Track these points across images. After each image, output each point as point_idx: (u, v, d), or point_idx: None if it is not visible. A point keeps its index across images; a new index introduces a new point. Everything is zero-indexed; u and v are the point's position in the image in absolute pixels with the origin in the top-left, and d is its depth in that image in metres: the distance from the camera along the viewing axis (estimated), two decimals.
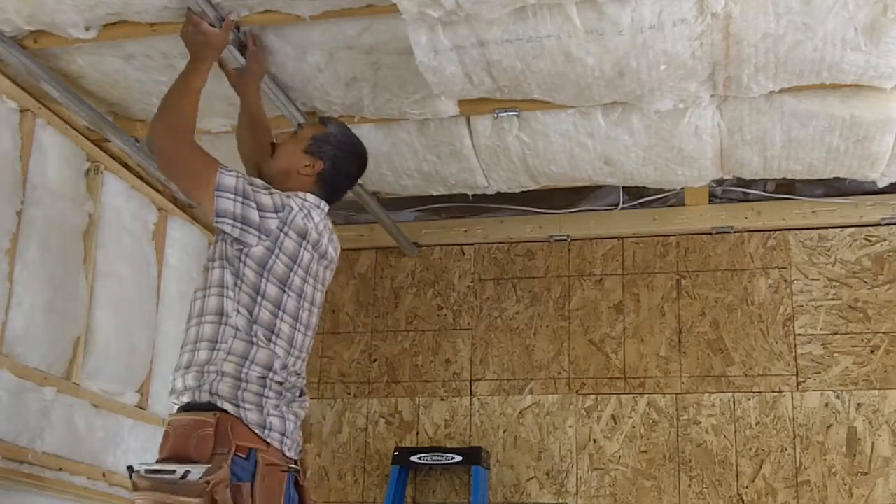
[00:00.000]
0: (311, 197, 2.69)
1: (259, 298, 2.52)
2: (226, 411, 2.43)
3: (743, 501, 3.98)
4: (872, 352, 4.03)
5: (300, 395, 2.64)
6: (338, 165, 2.77)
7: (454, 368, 4.41)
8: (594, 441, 4.18)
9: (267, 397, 2.50)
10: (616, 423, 4.18)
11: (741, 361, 4.14)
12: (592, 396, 4.24)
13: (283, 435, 2.51)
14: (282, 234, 2.55)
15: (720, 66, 2.92)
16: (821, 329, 4.10)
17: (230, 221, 2.50)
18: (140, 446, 3.57)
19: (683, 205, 4.33)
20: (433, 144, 3.58)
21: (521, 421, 4.28)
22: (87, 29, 2.91)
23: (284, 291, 2.56)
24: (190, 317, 2.59)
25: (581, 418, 4.22)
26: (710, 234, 4.30)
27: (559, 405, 4.26)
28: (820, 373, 4.05)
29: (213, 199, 2.48)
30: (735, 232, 4.28)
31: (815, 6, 2.69)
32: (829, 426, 3.99)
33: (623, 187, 4.26)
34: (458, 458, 4.15)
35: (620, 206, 4.36)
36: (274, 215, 2.54)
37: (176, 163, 2.55)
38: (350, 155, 2.82)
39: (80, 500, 3.30)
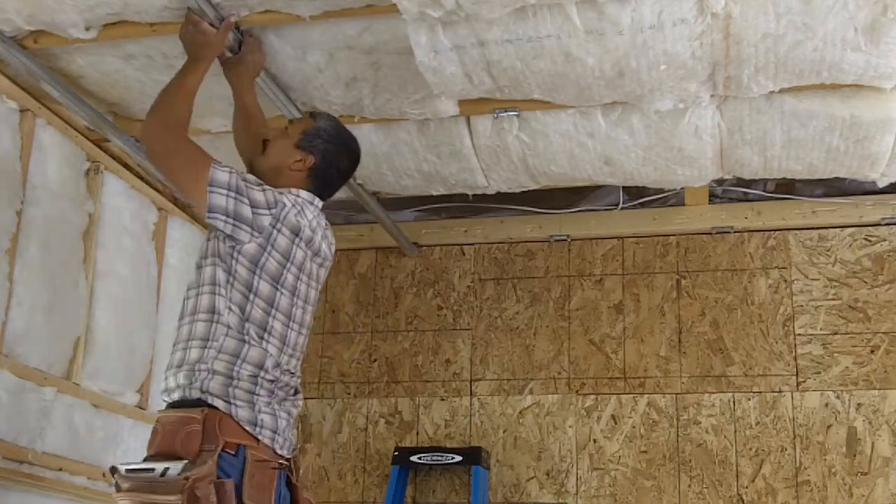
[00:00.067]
0: (304, 193, 2.68)
1: (251, 296, 2.51)
2: (215, 408, 2.42)
3: (743, 501, 3.98)
4: (872, 352, 4.03)
5: (294, 394, 2.63)
6: (328, 160, 2.75)
7: (454, 368, 4.41)
8: (594, 441, 4.18)
9: (258, 395, 2.48)
10: (616, 423, 4.18)
11: (741, 361, 4.14)
12: (592, 396, 4.24)
13: (275, 432, 2.49)
14: (274, 231, 2.54)
15: (720, 66, 2.92)
16: (821, 329, 4.10)
17: (222, 217, 2.48)
18: (140, 446, 3.53)
19: (683, 205, 4.33)
20: (433, 144, 3.58)
21: (521, 421, 4.28)
22: (87, 29, 2.91)
23: (277, 289, 2.55)
24: (182, 315, 2.58)
25: (581, 418, 4.22)
26: (710, 234, 4.31)
27: (559, 405, 4.26)
28: (820, 373, 4.05)
29: (205, 195, 2.46)
30: (735, 232, 4.28)
31: (815, 6, 2.69)
32: (829, 426, 3.99)
33: (623, 187, 4.26)
34: (458, 458, 4.15)
35: (620, 206, 4.36)
36: (267, 212, 2.53)
37: (169, 159, 2.54)
38: (341, 149, 2.80)
39: (80, 500, 3.30)
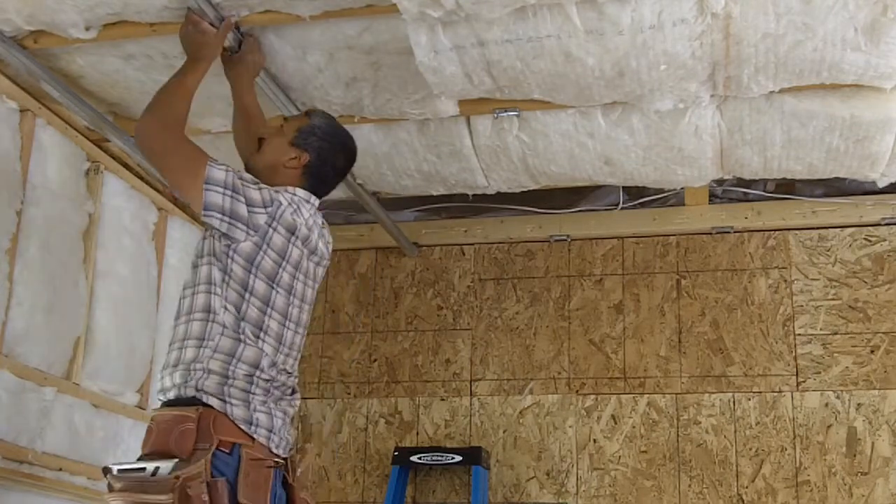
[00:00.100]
0: (300, 192, 2.67)
1: (247, 295, 2.50)
2: (210, 406, 2.41)
3: (743, 501, 3.98)
4: (872, 352, 4.03)
5: (291, 394, 2.62)
6: (323, 157, 2.74)
7: (454, 368, 4.41)
8: (594, 441, 4.18)
9: (254, 394, 2.47)
10: (616, 423, 4.18)
11: (741, 361, 4.14)
12: (592, 396, 4.24)
13: (271, 431, 2.48)
14: (270, 230, 2.53)
15: (720, 66, 2.92)
16: (821, 329, 4.10)
17: (218, 216, 2.47)
18: (140, 446, 3.57)
19: (683, 205, 4.33)
20: (433, 144, 3.58)
21: (521, 421, 4.28)
22: (87, 29, 2.91)
23: (273, 288, 2.54)
24: (178, 314, 2.58)
25: (581, 418, 4.22)
26: (710, 234, 4.31)
27: (559, 405, 4.26)
28: (820, 373, 4.05)
29: (201, 193, 2.45)
30: (735, 232, 4.28)
31: (815, 6, 2.69)
32: (829, 426, 3.99)
33: (623, 187, 4.26)
34: (458, 458, 4.15)
35: (620, 206, 4.36)
36: (262, 210, 2.52)
37: (165, 156, 2.53)
38: (336, 146, 2.79)
39: (80, 500, 3.30)
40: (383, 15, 2.83)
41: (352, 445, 4.42)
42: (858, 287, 4.11)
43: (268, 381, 2.51)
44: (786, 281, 4.18)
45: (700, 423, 4.10)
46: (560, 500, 4.14)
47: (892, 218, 4.12)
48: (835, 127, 3.25)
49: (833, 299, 4.12)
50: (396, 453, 4.20)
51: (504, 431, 4.28)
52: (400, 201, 4.41)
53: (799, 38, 2.79)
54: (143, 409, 3.66)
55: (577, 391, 4.26)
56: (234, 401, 2.44)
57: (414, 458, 4.17)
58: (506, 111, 3.29)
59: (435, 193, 3.96)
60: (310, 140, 2.74)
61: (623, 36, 2.78)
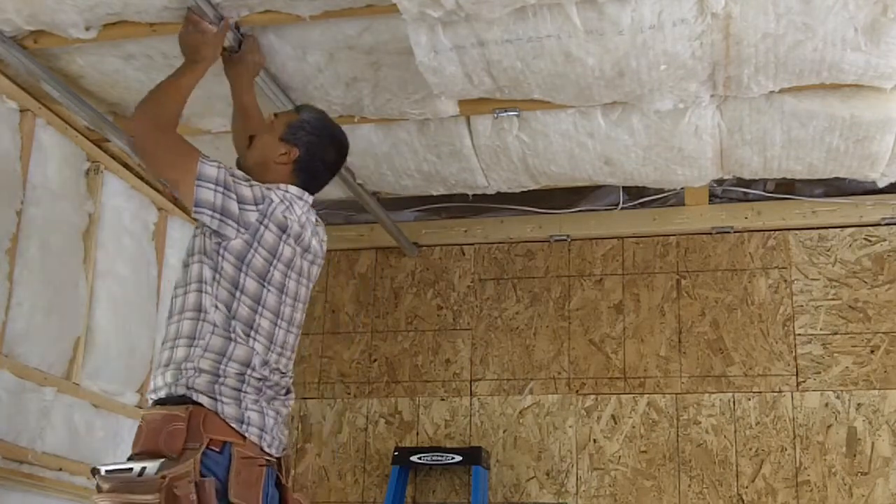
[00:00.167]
0: (292, 188, 2.66)
1: (237, 293, 2.49)
2: (200, 405, 2.40)
3: (743, 501, 3.98)
4: (872, 352, 4.03)
5: (285, 394, 2.61)
6: (313, 152, 2.72)
7: (454, 368, 4.41)
8: (594, 441, 4.18)
9: (245, 392, 2.46)
10: (616, 423, 4.18)
11: (741, 361, 4.14)
12: (592, 396, 4.23)
13: (262, 430, 2.47)
14: (261, 227, 2.52)
15: (720, 66, 2.92)
16: (821, 329, 4.10)
17: (209, 212, 2.46)
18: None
19: (683, 205, 4.33)
20: (433, 144, 3.58)
21: (521, 421, 4.28)
22: (87, 29, 2.91)
23: (264, 286, 2.53)
24: (171, 314, 2.57)
25: (581, 418, 4.22)
26: (710, 234, 4.30)
27: (559, 405, 4.26)
28: (820, 373, 4.05)
29: (192, 189, 2.45)
30: (735, 232, 4.28)
31: (815, 6, 2.69)
32: (829, 426, 3.99)
33: (623, 187, 4.26)
34: (458, 458, 4.14)
35: (620, 206, 4.36)
36: (254, 208, 2.51)
37: (157, 153, 2.52)
38: (325, 140, 2.77)
39: (80, 500, 3.30)
40: (383, 15, 2.83)
41: (352, 445, 4.42)
42: (858, 287, 4.11)
43: (260, 379, 2.50)
44: (786, 281, 4.18)
45: (700, 423, 4.10)
46: (560, 500, 4.14)
47: (892, 218, 4.12)
48: (835, 127, 3.25)
49: (833, 299, 4.12)
50: (396, 453, 4.20)
51: (504, 431, 4.28)
52: (400, 201, 4.41)
53: (799, 38, 2.79)
54: (143, 409, 3.66)
55: (577, 391, 4.26)
56: (225, 399, 2.42)
57: (414, 458, 4.17)
58: (506, 111, 3.29)
59: (435, 193, 3.96)
60: (299, 135, 2.73)
61: (623, 36, 2.78)
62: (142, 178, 3.78)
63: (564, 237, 4.44)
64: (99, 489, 2.36)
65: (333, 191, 3.96)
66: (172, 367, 2.47)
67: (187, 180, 2.46)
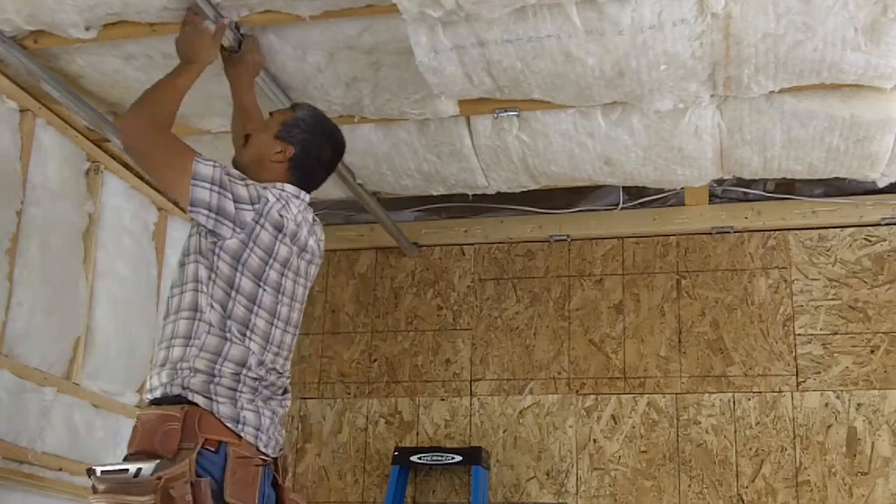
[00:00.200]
0: (289, 187, 2.65)
1: (233, 293, 2.48)
2: (196, 404, 2.39)
3: (743, 501, 3.98)
4: (872, 352, 4.03)
5: (282, 394, 2.60)
6: (308, 149, 2.72)
7: (454, 368, 4.41)
8: (594, 441, 4.18)
9: (241, 392, 2.45)
10: (616, 423, 4.18)
11: (741, 361, 4.14)
12: (592, 396, 4.23)
13: (258, 430, 2.46)
14: (257, 227, 2.51)
15: (720, 66, 2.92)
16: (821, 329, 4.10)
17: (205, 212, 2.45)
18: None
19: (683, 205, 4.33)
20: (433, 144, 3.58)
21: (521, 421, 4.28)
22: (87, 29, 2.91)
23: (259, 286, 2.52)
24: (167, 313, 2.56)
25: (581, 418, 4.22)
26: (710, 234, 4.30)
27: (559, 405, 4.26)
28: (820, 373, 4.05)
29: (188, 189, 2.43)
30: (735, 232, 4.28)
31: (815, 6, 2.69)
32: (829, 426, 3.99)
33: (623, 187, 4.26)
34: (458, 458, 4.15)
35: (620, 206, 4.36)
36: (249, 207, 2.50)
37: (151, 153, 2.51)
38: (320, 138, 2.76)
39: (79, 500, 3.30)
40: (383, 15, 2.83)
41: (352, 445, 4.42)
42: (858, 287, 4.11)
43: (255, 379, 2.49)
44: (786, 281, 4.18)
45: (700, 423, 4.10)
46: (560, 500, 4.14)
47: (892, 218, 4.12)
48: (835, 127, 3.25)
49: (833, 299, 4.12)
50: (396, 453, 4.20)
51: (504, 431, 4.28)
52: (400, 201, 4.41)
53: (799, 38, 2.79)
54: (139, 409, 3.66)
55: (577, 391, 4.26)
56: (220, 399, 2.42)
57: (414, 458, 4.17)
58: (506, 111, 3.29)
59: (435, 193, 3.96)
60: (294, 133, 2.72)
61: (623, 36, 2.78)
62: (142, 178, 3.77)
63: (564, 237, 4.44)
64: (95, 490, 2.36)
65: (333, 191, 3.96)
66: (168, 366, 2.46)
67: (183, 180, 2.44)
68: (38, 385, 3.17)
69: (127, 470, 2.31)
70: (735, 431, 4.06)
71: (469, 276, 4.52)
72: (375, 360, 4.50)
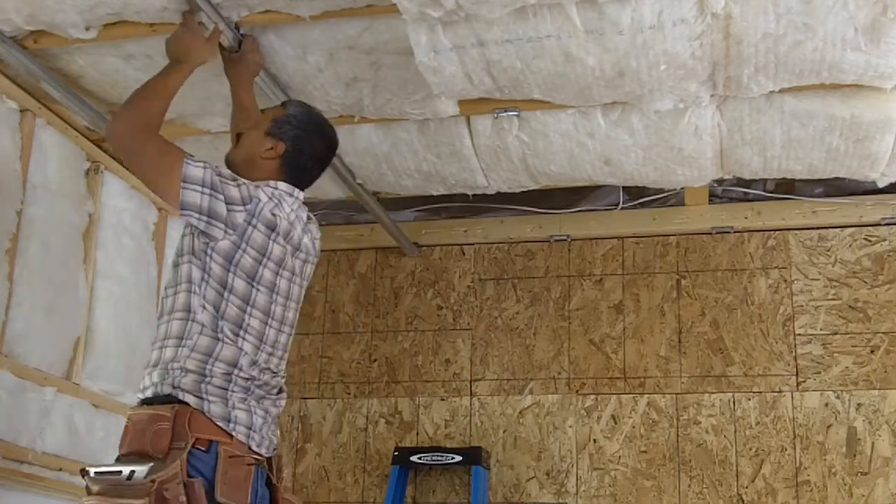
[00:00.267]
0: (282, 185, 2.63)
1: (226, 293, 2.47)
2: (186, 403, 2.38)
3: (743, 501, 3.98)
4: (872, 352, 4.03)
5: (277, 393, 2.59)
6: (299, 145, 2.70)
7: (454, 368, 4.41)
8: (594, 441, 4.18)
9: (232, 391, 2.44)
10: (616, 423, 4.18)
11: (741, 361, 4.14)
12: (592, 396, 4.23)
13: (250, 429, 2.45)
14: (249, 227, 2.49)
15: (720, 66, 2.92)
16: (821, 329, 4.10)
17: (196, 215, 2.44)
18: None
19: (683, 205, 4.33)
20: (433, 144, 3.58)
21: (521, 421, 4.28)
22: (87, 29, 2.91)
23: (252, 286, 2.50)
24: (161, 314, 2.55)
25: (581, 418, 4.22)
26: (710, 234, 4.30)
27: (559, 405, 4.26)
28: (820, 373, 4.05)
29: (178, 192, 2.41)
30: (735, 232, 4.28)
31: (815, 6, 2.69)
32: (829, 426, 3.99)
33: (623, 187, 4.26)
34: (458, 458, 4.14)
35: (620, 206, 4.36)
36: (241, 208, 2.48)
37: (140, 155, 2.48)
38: (312, 134, 2.74)
39: (79, 501, 3.29)
40: (383, 15, 2.83)
41: (352, 445, 4.42)
42: (858, 287, 4.11)
43: (247, 379, 2.48)
44: (786, 281, 4.18)
45: (700, 423, 4.10)
46: (560, 500, 4.14)
47: (892, 218, 4.12)
48: (835, 127, 3.25)
49: (833, 299, 4.12)
50: (396, 453, 4.20)
51: (504, 431, 4.28)
52: (400, 201, 4.41)
53: (799, 38, 2.79)
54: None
55: (577, 391, 4.26)
56: (211, 398, 2.41)
57: (414, 458, 4.17)
58: (506, 111, 3.29)
59: (435, 193, 3.96)
60: (284, 129, 2.70)
61: (623, 36, 2.78)
62: None
63: (564, 237, 4.44)
64: (88, 491, 2.35)
65: (333, 191, 3.96)
66: (160, 367, 2.45)
67: (172, 182, 2.42)
68: (38, 385, 3.17)
69: (120, 472, 2.30)
70: (735, 431, 4.06)
71: (469, 276, 4.52)
72: (375, 360, 4.50)
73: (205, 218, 2.44)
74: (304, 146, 2.71)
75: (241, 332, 2.48)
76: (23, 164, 3.20)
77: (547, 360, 4.32)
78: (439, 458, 4.15)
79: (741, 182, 4.12)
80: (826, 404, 4.01)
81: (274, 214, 2.55)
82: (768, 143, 3.38)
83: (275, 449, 2.57)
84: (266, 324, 2.54)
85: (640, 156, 3.50)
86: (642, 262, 4.35)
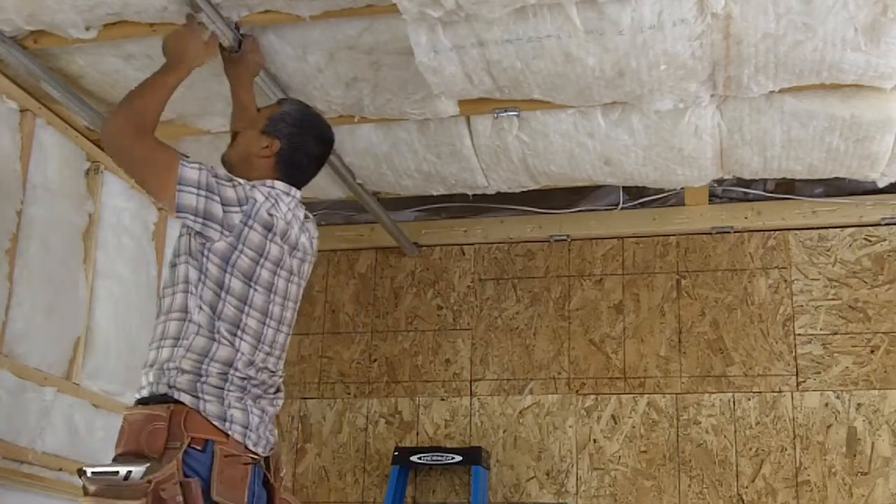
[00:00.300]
0: (279, 184, 2.62)
1: (223, 294, 2.46)
2: (182, 403, 2.37)
3: (743, 501, 3.98)
4: (872, 352, 4.03)
5: (275, 392, 2.59)
6: (294, 143, 2.69)
7: (454, 368, 4.41)
8: (594, 441, 4.18)
9: (229, 391, 2.44)
10: (616, 423, 4.18)
11: (741, 361, 4.14)
12: (592, 396, 4.23)
13: (246, 428, 2.44)
14: (246, 228, 2.49)
15: (720, 66, 2.92)
16: (821, 329, 4.10)
17: (191, 217, 2.44)
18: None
19: (683, 205, 4.33)
20: (433, 144, 3.58)
21: (521, 421, 4.28)
22: (87, 29, 2.91)
23: (250, 286, 2.50)
24: (158, 314, 2.55)
25: (581, 418, 4.22)
26: (710, 234, 4.30)
27: (559, 405, 4.26)
28: (820, 373, 4.05)
29: (174, 194, 2.41)
30: (735, 232, 4.28)
31: (815, 6, 2.69)
32: (829, 426, 3.99)
33: (623, 187, 4.26)
34: (458, 458, 4.14)
35: (620, 206, 4.36)
36: (237, 209, 2.48)
37: (135, 157, 2.48)
38: (307, 131, 2.73)
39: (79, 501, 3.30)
40: (383, 15, 2.84)
41: (352, 445, 4.42)
42: (858, 287, 4.11)
43: (244, 379, 2.47)
44: (786, 281, 4.18)
45: (700, 423, 4.10)
46: (560, 500, 4.14)
47: (892, 218, 4.12)
48: (835, 127, 3.25)
49: (833, 299, 4.12)
50: (396, 453, 4.20)
51: (504, 431, 4.28)
52: (400, 201, 4.41)
53: (799, 38, 2.79)
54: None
55: (577, 391, 4.26)
56: (207, 397, 2.40)
57: (414, 458, 4.17)
58: (506, 111, 3.29)
59: (435, 193, 3.96)
60: (279, 127, 2.70)
61: (623, 36, 2.78)
62: None
63: (564, 237, 4.44)
64: (86, 491, 2.35)
65: (333, 191, 3.96)
66: (156, 367, 2.45)
67: (168, 184, 2.42)
68: (38, 385, 3.17)
69: (117, 472, 2.30)
70: (735, 431, 4.06)
71: (469, 276, 4.52)
72: (375, 360, 4.50)
73: (200, 220, 2.44)
74: (300, 144, 2.71)
75: (239, 332, 2.48)
76: (23, 164, 3.20)
77: (547, 360, 4.32)
78: (439, 458, 4.15)
79: (741, 182, 4.12)
80: (826, 404, 4.01)
81: (271, 214, 2.54)
82: (768, 143, 3.38)
83: (272, 448, 2.56)
84: (264, 323, 2.53)
85: (640, 156, 3.50)
86: (642, 262, 4.35)
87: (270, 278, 2.55)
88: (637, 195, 4.31)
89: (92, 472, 2.35)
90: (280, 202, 2.59)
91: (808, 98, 3.17)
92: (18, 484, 3.07)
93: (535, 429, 4.26)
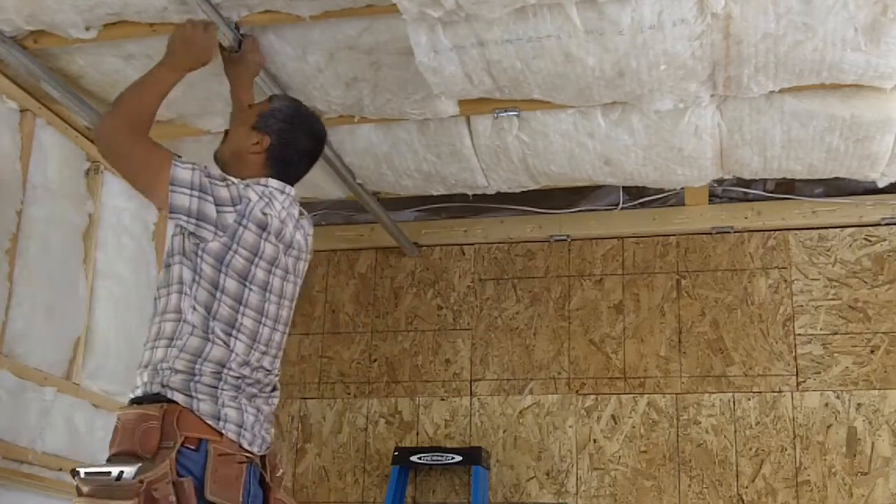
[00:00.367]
0: (273, 182, 2.61)
1: (218, 294, 2.46)
2: (175, 402, 2.37)
3: (743, 501, 3.98)
4: (872, 352, 4.03)
5: (271, 391, 2.58)
6: (285, 139, 2.67)
7: (454, 368, 4.41)
8: (594, 441, 4.18)
9: (222, 389, 2.43)
10: (616, 423, 4.18)
11: (741, 361, 4.14)
12: (592, 396, 4.23)
13: (241, 427, 2.44)
14: (240, 228, 2.48)
15: (720, 66, 2.92)
16: (821, 329, 4.10)
17: (185, 217, 2.43)
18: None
19: (683, 205, 4.33)
20: (433, 144, 3.58)
21: (521, 421, 4.28)
22: (87, 29, 2.91)
23: (245, 285, 2.49)
24: (154, 314, 2.55)
25: (581, 418, 4.22)
26: (710, 234, 4.30)
27: (559, 405, 4.26)
28: (820, 373, 4.05)
29: (167, 195, 2.40)
30: (735, 232, 4.28)
31: (815, 6, 2.69)
32: (829, 426, 3.99)
33: (623, 187, 4.26)
34: (458, 458, 4.15)
35: (620, 206, 4.36)
36: (231, 209, 2.47)
37: (128, 157, 2.47)
38: (297, 127, 2.71)
39: None
40: (383, 15, 2.83)
41: (352, 445, 4.42)
42: (858, 287, 4.11)
43: (238, 378, 2.47)
44: (786, 281, 4.18)
45: (700, 423, 4.10)
46: (560, 500, 4.14)
47: (892, 218, 4.12)
48: (835, 127, 3.25)
49: (833, 299, 4.12)
50: (396, 453, 4.20)
51: (504, 431, 4.28)
52: (400, 201, 4.41)
53: (799, 38, 2.79)
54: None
55: (577, 391, 4.26)
56: (200, 396, 2.40)
57: (414, 458, 4.17)
58: (506, 111, 3.29)
59: (435, 193, 3.96)
60: (269, 123, 2.68)
61: (623, 36, 2.78)
62: None
63: (564, 237, 4.44)
64: (79, 492, 2.34)
65: (333, 191, 3.96)
66: (150, 367, 2.45)
67: (160, 185, 2.41)
68: (38, 385, 3.17)
69: (109, 473, 2.30)
70: (735, 431, 4.06)
71: (469, 276, 4.52)
72: (375, 360, 4.50)
73: (193, 220, 2.44)
74: (290, 140, 2.69)
75: (234, 332, 2.47)
76: (23, 164, 3.20)
77: (547, 360, 4.32)
78: (439, 458, 4.15)
79: (741, 182, 4.12)
80: (826, 404, 4.01)
81: (265, 213, 2.53)
82: (768, 143, 3.38)
83: (268, 447, 2.55)
84: (260, 322, 2.53)
85: (640, 156, 3.50)
86: (642, 262, 4.35)
87: (266, 277, 2.54)
88: (637, 195, 4.31)
89: (85, 473, 2.35)
90: (274, 200, 2.58)
91: (808, 98, 3.17)
92: (18, 484, 3.07)
93: (535, 429, 4.26)
